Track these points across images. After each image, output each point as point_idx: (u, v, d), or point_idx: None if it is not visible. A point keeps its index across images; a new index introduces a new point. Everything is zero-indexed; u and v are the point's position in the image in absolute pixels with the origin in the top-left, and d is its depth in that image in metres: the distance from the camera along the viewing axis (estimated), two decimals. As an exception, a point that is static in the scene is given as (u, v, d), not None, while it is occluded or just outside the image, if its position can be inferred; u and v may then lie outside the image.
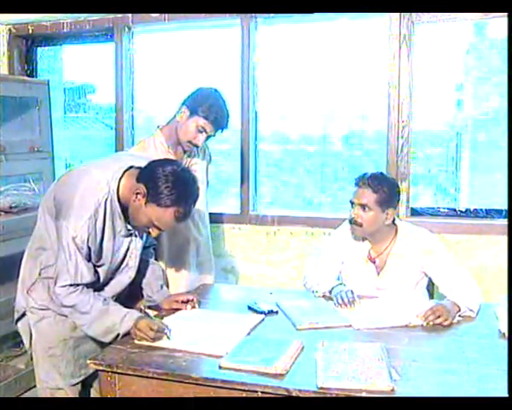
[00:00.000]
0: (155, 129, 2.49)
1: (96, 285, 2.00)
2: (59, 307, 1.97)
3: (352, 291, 2.24)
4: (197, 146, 2.39)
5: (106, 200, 1.88)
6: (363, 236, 2.39)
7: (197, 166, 2.52)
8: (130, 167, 1.94)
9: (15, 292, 2.10)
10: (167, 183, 1.83)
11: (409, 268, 2.36)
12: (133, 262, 2.07)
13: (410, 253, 2.35)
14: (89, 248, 1.90)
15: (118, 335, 1.92)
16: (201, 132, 2.34)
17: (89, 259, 1.92)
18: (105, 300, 1.96)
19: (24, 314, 2.07)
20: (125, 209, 1.94)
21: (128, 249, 2.03)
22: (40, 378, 2.08)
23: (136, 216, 1.90)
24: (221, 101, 2.37)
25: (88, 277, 1.92)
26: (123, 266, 2.05)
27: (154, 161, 1.93)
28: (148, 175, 1.87)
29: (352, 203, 2.34)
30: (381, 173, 2.40)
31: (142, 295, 2.25)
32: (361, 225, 2.32)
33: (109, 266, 2.00)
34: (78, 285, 1.91)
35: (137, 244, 2.06)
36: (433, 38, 3.01)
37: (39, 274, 2.02)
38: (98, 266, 1.98)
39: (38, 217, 2.04)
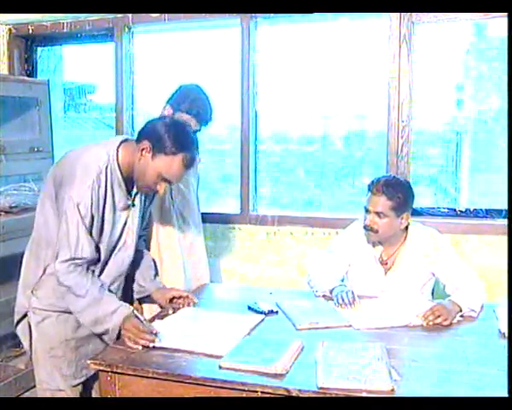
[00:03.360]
0: None
1: (97, 265, 1.99)
2: (64, 301, 1.96)
3: (352, 292, 2.24)
4: None
5: (106, 167, 1.91)
6: (378, 241, 2.39)
7: (188, 180, 2.53)
8: (126, 140, 2.00)
9: (15, 292, 2.09)
10: (170, 132, 1.89)
11: (417, 268, 2.36)
12: (131, 239, 2.07)
13: (419, 253, 2.36)
14: (92, 218, 1.90)
15: (107, 330, 1.91)
16: None
17: (90, 233, 1.92)
18: (102, 286, 1.95)
19: (25, 316, 2.06)
20: (125, 179, 1.98)
21: (125, 224, 2.04)
22: (41, 379, 2.07)
23: (143, 174, 1.93)
24: (203, 95, 2.41)
25: (88, 251, 1.91)
26: (120, 243, 2.05)
27: (149, 121, 1.98)
28: (150, 131, 1.93)
29: (366, 210, 2.33)
30: (394, 177, 2.41)
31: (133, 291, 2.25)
32: (377, 232, 2.31)
33: (108, 243, 2.00)
34: (78, 264, 1.90)
35: (134, 219, 2.07)
36: (433, 38, 3.01)
37: (44, 272, 2.00)
38: (98, 243, 1.98)
39: (37, 212, 2.04)
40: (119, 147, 1.96)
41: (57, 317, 2.02)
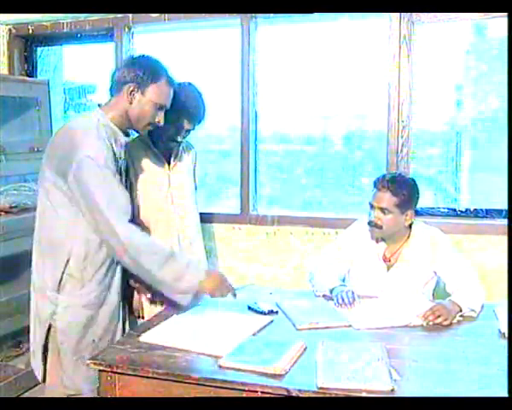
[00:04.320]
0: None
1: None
2: (138, 269, 1.91)
3: (352, 292, 2.25)
4: (177, 141, 2.43)
5: (98, 126, 1.94)
6: (382, 237, 2.39)
7: (184, 168, 2.53)
8: (99, 105, 2.06)
9: (15, 292, 2.08)
10: (142, 66, 1.99)
11: (419, 266, 2.37)
12: None
13: (422, 251, 2.37)
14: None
15: (189, 286, 1.92)
16: None
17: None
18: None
19: (50, 327, 1.97)
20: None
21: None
22: (54, 382, 2.00)
23: (142, 112, 2.00)
24: (195, 93, 2.41)
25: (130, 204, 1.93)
26: None
27: (113, 74, 2.06)
28: (124, 76, 1.99)
29: (371, 206, 2.34)
30: (400, 174, 2.42)
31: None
32: (381, 228, 2.33)
33: None
34: (133, 221, 1.89)
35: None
36: (433, 38, 3.01)
37: (65, 268, 1.93)
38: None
39: (39, 212, 1.98)
40: (99, 110, 2.02)
41: (87, 315, 1.99)
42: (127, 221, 1.86)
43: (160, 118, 2.06)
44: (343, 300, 2.20)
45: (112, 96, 2.04)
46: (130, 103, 1.99)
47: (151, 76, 1.99)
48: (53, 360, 2.01)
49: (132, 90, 1.98)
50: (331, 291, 2.31)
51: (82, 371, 1.96)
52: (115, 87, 2.03)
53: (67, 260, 1.94)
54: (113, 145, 1.97)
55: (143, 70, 1.99)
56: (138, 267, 1.91)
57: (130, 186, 2.34)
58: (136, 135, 2.56)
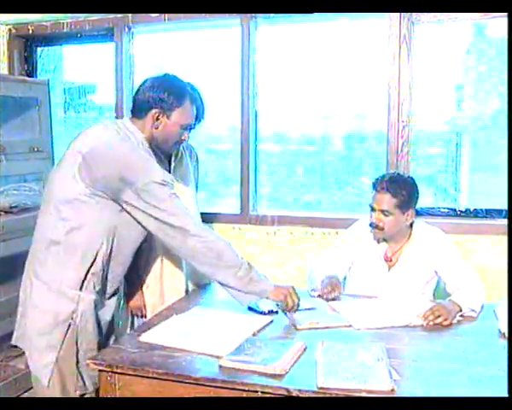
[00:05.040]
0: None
1: None
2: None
3: (338, 280, 2.29)
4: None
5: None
6: (383, 238, 2.39)
7: (185, 168, 2.53)
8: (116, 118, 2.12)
9: (15, 292, 2.07)
10: (166, 89, 2.00)
11: (420, 265, 2.37)
12: None
13: (423, 250, 2.37)
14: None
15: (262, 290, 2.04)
16: None
17: None
18: None
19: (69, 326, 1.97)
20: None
21: None
22: (79, 385, 1.99)
23: (168, 136, 2.06)
24: (194, 93, 2.41)
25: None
26: None
27: (135, 95, 2.07)
28: (148, 101, 2.00)
29: (371, 208, 2.34)
30: (398, 174, 2.42)
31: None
32: (382, 229, 2.33)
33: None
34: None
35: None
36: (433, 38, 3.01)
37: (91, 265, 1.96)
38: None
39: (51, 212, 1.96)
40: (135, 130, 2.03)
41: (96, 317, 2.01)
42: (194, 225, 1.99)
43: (185, 136, 2.10)
44: (326, 286, 2.23)
45: (133, 116, 2.05)
46: (157, 128, 2.02)
47: (176, 100, 2.00)
48: (65, 360, 1.99)
49: (158, 116, 2.00)
50: (322, 282, 2.31)
51: (88, 370, 1.95)
52: (138, 110, 2.04)
53: (94, 260, 1.97)
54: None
55: (167, 93, 1.99)
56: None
57: None
58: None
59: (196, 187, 2.65)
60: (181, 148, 2.52)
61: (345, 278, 2.57)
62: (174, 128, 2.04)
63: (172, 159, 2.48)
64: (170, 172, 2.46)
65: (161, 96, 1.99)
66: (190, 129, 2.17)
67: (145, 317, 2.45)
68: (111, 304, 2.13)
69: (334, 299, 2.24)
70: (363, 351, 1.72)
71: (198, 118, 2.41)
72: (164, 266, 2.48)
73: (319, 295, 2.28)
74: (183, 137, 2.10)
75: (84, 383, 2.00)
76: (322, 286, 2.27)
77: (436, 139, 3.25)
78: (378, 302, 2.28)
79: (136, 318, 2.51)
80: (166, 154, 2.30)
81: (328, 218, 3.20)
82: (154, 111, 2.00)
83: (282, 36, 3.34)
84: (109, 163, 1.88)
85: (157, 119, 2.00)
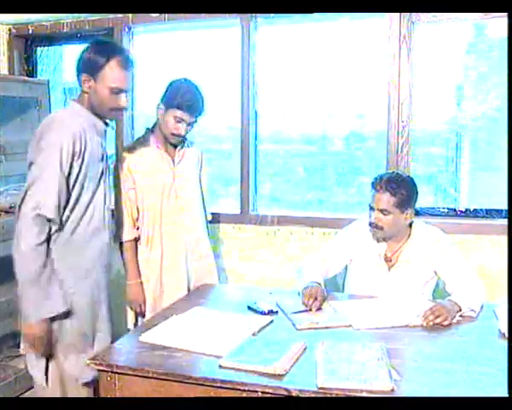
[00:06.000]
0: (145, 131, 2.57)
1: None
2: None
3: (322, 291, 2.23)
4: (181, 136, 2.45)
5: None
6: (383, 237, 2.39)
7: (189, 165, 2.55)
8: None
9: (15, 292, 2.08)
10: (91, 52, 2.00)
11: (420, 265, 2.37)
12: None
13: (422, 250, 2.37)
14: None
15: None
16: (180, 122, 2.41)
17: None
18: None
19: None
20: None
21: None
22: (71, 374, 2.04)
23: (100, 98, 2.02)
24: (192, 87, 2.44)
25: None
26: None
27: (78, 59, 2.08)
28: (78, 67, 2.04)
29: (370, 208, 2.34)
30: (397, 174, 2.41)
31: None
32: (382, 229, 2.32)
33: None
34: None
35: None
36: (433, 38, 3.01)
37: None
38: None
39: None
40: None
41: None
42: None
43: (120, 101, 2.04)
44: (306, 297, 2.19)
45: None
46: (88, 93, 2.02)
47: (98, 61, 1.99)
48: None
49: (85, 80, 2.01)
50: (305, 289, 2.27)
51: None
52: (77, 73, 2.07)
53: None
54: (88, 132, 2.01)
55: (90, 55, 2.00)
56: None
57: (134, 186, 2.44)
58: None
59: (201, 193, 2.66)
60: (185, 145, 2.53)
61: (344, 279, 2.57)
62: (103, 91, 2.01)
63: (176, 155, 2.51)
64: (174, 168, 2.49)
65: (85, 59, 2.01)
66: (126, 93, 2.08)
67: (143, 314, 2.46)
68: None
69: (319, 309, 2.18)
70: (363, 351, 1.73)
71: (198, 110, 2.43)
72: (164, 264, 2.49)
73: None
74: (121, 103, 2.04)
75: (84, 373, 2.02)
76: (301, 299, 2.24)
77: (436, 139, 3.25)
78: (378, 302, 2.28)
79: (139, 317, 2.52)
80: (174, 142, 2.39)
81: (328, 218, 3.20)
82: (82, 76, 2.02)
83: (282, 36, 3.34)
84: None
85: (86, 83, 2.01)
